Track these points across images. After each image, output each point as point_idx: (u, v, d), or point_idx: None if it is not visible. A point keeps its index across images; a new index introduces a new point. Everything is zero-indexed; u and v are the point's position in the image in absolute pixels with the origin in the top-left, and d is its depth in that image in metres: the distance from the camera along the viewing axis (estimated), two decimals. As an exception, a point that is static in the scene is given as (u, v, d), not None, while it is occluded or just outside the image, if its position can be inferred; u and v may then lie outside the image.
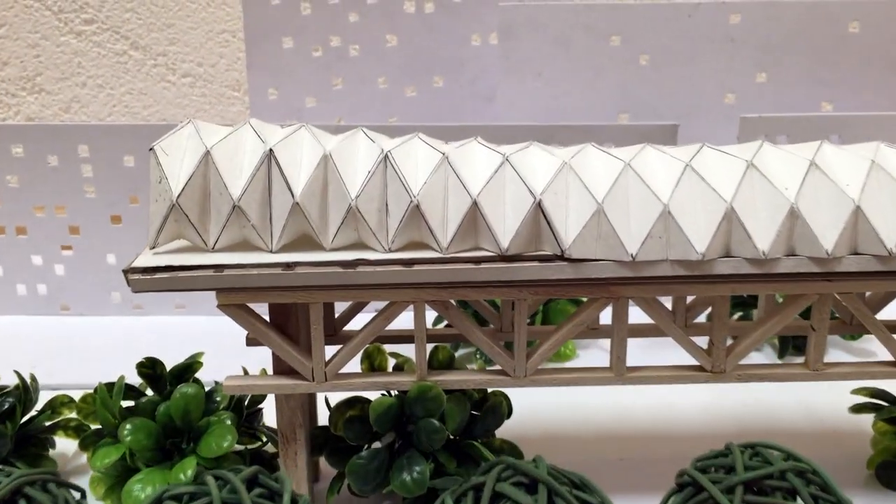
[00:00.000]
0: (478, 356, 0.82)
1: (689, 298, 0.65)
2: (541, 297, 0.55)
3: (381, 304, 0.55)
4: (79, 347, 0.88)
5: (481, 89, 1.02)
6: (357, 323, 0.65)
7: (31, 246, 0.93)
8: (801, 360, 0.82)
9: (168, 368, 0.63)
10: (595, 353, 0.84)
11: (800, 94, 0.96)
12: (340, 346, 0.61)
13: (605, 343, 0.84)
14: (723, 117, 0.96)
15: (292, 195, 0.53)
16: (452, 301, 0.55)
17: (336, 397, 0.60)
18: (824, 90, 0.96)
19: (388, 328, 0.56)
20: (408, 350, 0.61)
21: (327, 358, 0.56)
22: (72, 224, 0.92)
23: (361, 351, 0.58)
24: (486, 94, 1.02)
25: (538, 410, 0.73)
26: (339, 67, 1.02)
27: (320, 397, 0.63)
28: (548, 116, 0.96)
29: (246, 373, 0.64)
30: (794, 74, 0.96)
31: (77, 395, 0.66)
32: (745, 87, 0.96)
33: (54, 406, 0.66)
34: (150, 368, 0.62)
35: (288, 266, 0.53)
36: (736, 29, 0.94)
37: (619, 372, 0.56)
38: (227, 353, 0.69)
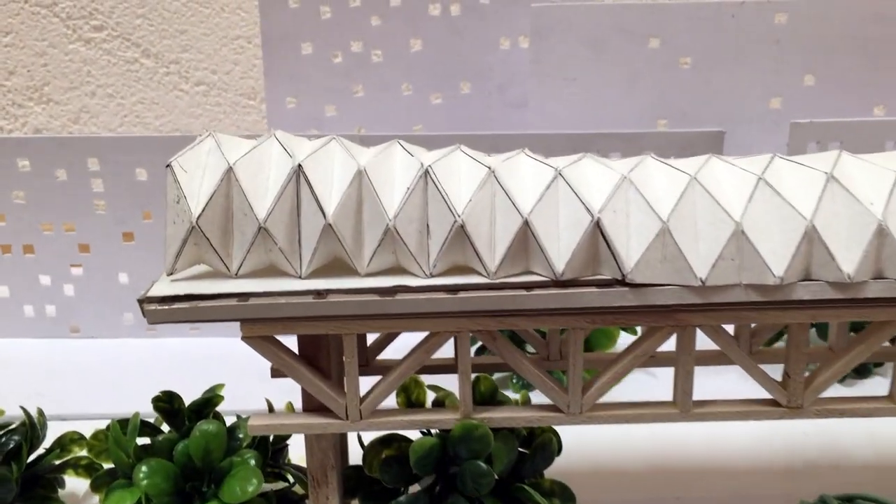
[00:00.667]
0: (514, 380, 0.77)
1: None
2: (598, 325, 0.50)
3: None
4: (90, 372, 0.83)
5: (511, 96, 0.97)
6: (391, 352, 0.60)
7: (39, 265, 0.88)
8: (867, 382, 0.77)
9: (187, 402, 0.58)
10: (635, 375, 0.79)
11: (850, 98, 0.91)
12: (373, 377, 0.56)
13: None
14: (769, 123, 0.90)
15: (324, 215, 0.48)
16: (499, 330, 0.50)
17: (370, 434, 0.54)
18: (876, 93, 0.91)
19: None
20: (446, 381, 0.56)
21: (362, 393, 0.51)
22: (81, 242, 0.87)
23: (398, 384, 0.53)
24: (517, 100, 0.96)
25: (585, 444, 0.67)
26: (361, 74, 0.97)
27: (352, 433, 0.58)
28: (582, 124, 0.91)
29: (270, 407, 0.59)
30: (844, 77, 0.90)
31: (88, 427, 0.61)
32: (792, 90, 0.91)
33: (63, 444, 0.61)
34: (167, 403, 0.57)
35: (319, 294, 0.48)
36: (782, 29, 0.89)
37: (685, 407, 0.51)
38: (248, 378, 0.64)
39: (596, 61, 0.91)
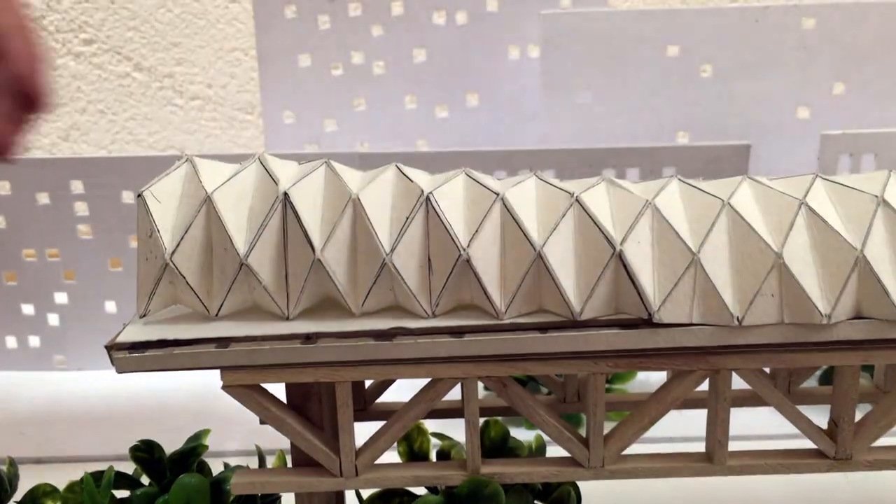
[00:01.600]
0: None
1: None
2: (621, 370, 0.44)
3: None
4: (73, 407, 0.78)
5: (521, 108, 0.91)
6: (393, 392, 0.54)
7: (21, 293, 0.83)
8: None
9: (180, 444, 0.53)
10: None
11: (883, 106, 0.85)
12: (372, 422, 0.51)
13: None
14: (797, 134, 0.85)
15: (313, 249, 0.43)
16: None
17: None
18: (910, 101, 0.85)
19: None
20: (454, 427, 0.50)
21: (358, 445, 0.46)
22: (66, 269, 0.82)
23: (399, 434, 0.48)
24: (527, 113, 0.91)
25: (607, 496, 0.62)
26: (362, 87, 0.92)
27: (349, 485, 0.53)
28: (596, 137, 0.86)
29: (261, 457, 0.54)
30: (876, 84, 0.85)
31: (69, 470, 0.56)
32: (821, 99, 0.85)
33: (35, 497, 0.55)
34: (146, 453, 0.52)
35: (308, 338, 0.43)
36: (810, 34, 0.84)
37: (720, 460, 0.45)
38: (239, 416, 0.59)
39: (611, 71, 0.85)
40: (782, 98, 0.85)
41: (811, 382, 0.68)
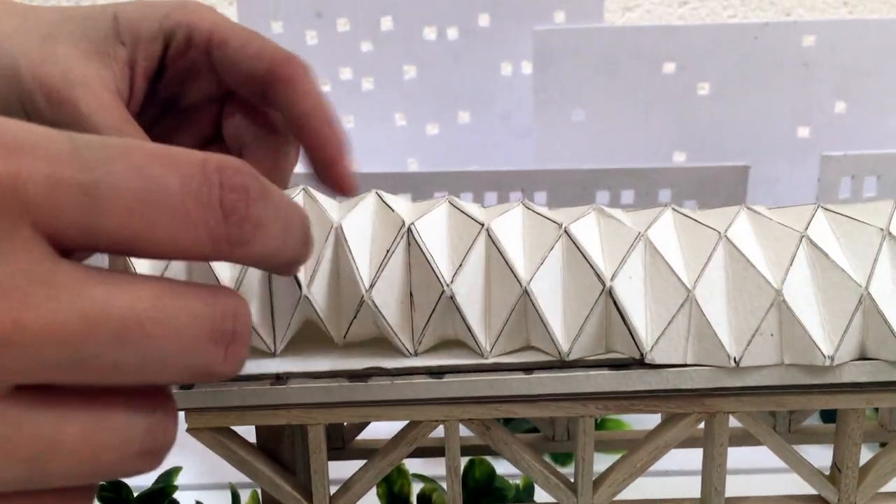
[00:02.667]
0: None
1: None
2: (611, 412, 0.42)
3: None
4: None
5: (514, 125, 0.89)
6: (374, 429, 0.52)
7: None
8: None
9: (139, 490, 0.50)
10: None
11: (886, 126, 0.83)
12: (352, 461, 0.48)
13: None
14: (797, 153, 0.83)
15: (299, 285, 0.40)
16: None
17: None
18: (914, 121, 0.83)
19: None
20: (439, 465, 0.48)
21: (339, 485, 0.43)
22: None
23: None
24: (520, 130, 0.89)
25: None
26: (351, 103, 0.89)
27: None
28: (591, 156, 0.83)
29: (235, 497, 0.51)
30: (879, 103, 0.82)
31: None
32: (822, 118, 0.83)
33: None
34: (112, 493, 0.50)
35: (279, 378, 0.40)
36: (810, 51, 0.81)
37: (716, 508, 0.43)
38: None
39: (605, 88, 0.83)
40: (782, 116, 0.83)
41: (814, 418, 0.65)
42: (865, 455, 0.43)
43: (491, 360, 0.40)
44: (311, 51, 0.88)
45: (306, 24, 0.87)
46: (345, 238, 0.41)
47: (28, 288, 0.22)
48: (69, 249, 0.23)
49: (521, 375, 0.40)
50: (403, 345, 0.41)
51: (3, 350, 0.21)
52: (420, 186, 0.75)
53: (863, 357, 0.40)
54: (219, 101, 0.49)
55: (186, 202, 0.24)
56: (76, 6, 0.47)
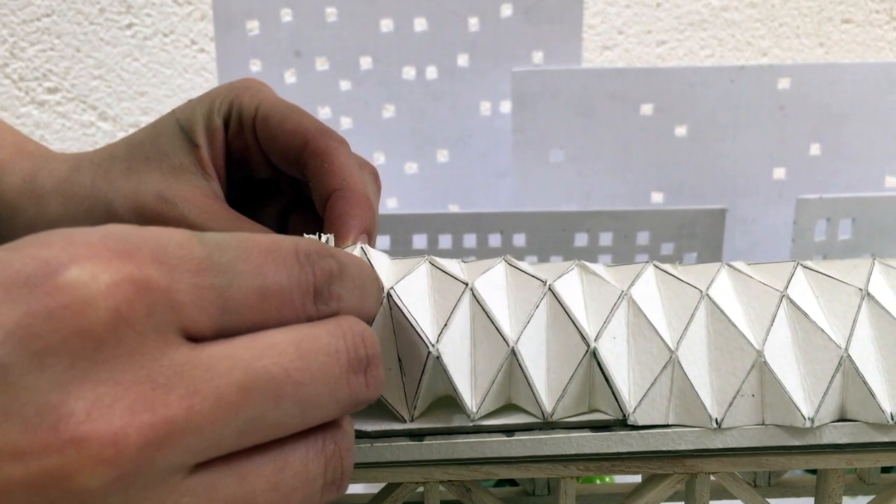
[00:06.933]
0: None
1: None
2: (592, 473, 0.42)
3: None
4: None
5: (493, 165, 0.89)
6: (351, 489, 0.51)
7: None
8: None
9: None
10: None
11: (860, 168, 0.84)
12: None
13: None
14: (773, 195, 0.83)
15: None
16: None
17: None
18: (888, 162, 0.84)
19: None
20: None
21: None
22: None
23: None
24: (499, 169, 0.89)
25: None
26: (330, 142, 0.89)
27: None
28: (570, 196, 0.84)
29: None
30: (853, 145, 0.83)
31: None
32: (798, 160, 0.84)
33: None
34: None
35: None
36: (786, 94, 0.82)
37: (699, 568, 0.43)
38: None
39: (583, 129, 0.84)
40: (758, 158, 0.83)
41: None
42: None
43: (471, 423, 0.40)
44: (290, 90, 0.88)
45: (285, 64, 0.87)
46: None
47: (190, 374, 0.24)
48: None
49: (502, 437, 0.40)
50: (398, 413, 0.40)
51: (183, 435, 0.24)
52: (398, 227, 0.75)
53: (843, 418, 0.40)
54: None
55: (294, 294, 0.28)
56: (136, 131, 0.48)
